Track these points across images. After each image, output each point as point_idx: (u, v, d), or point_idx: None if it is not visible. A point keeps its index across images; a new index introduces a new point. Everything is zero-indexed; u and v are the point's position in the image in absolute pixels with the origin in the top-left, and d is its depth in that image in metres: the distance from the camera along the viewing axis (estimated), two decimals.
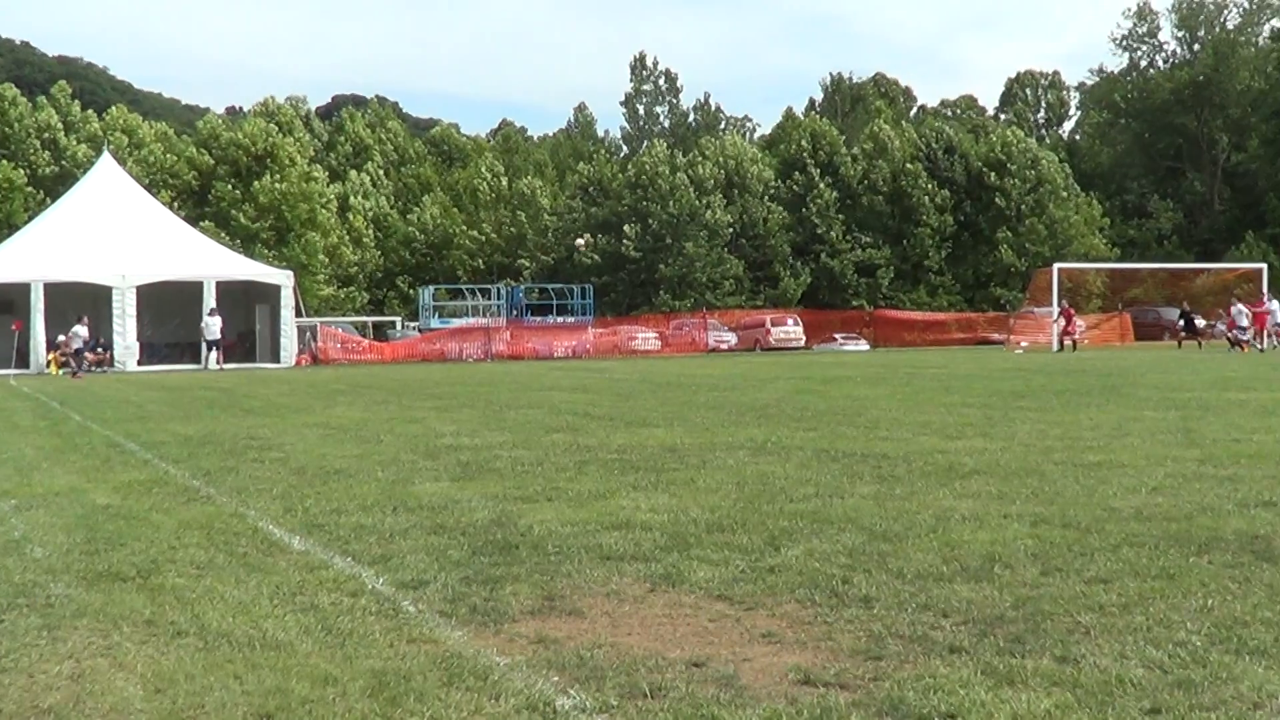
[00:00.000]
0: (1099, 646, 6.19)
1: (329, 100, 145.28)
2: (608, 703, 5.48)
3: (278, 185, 76.78)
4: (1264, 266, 65.60)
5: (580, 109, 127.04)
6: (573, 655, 6.22)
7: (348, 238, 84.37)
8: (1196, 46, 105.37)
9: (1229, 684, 5.56)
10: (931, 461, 13.52)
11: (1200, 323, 58.89)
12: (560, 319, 71.21)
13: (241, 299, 57.10)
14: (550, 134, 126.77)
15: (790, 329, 70.31)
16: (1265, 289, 60.01)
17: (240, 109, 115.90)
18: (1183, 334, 56.97)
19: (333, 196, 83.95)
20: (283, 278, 56.39)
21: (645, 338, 68.13)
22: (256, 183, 77.06)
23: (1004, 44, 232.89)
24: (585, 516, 10.24)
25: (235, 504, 11.47)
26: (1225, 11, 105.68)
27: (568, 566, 8.31)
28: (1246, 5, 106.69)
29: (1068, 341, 56.46)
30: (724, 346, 68.75)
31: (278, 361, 55.20)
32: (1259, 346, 52.88)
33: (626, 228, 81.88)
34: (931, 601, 7.17)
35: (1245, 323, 53.69)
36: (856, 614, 6.95)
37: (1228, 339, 53.34)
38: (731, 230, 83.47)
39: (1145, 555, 8.27)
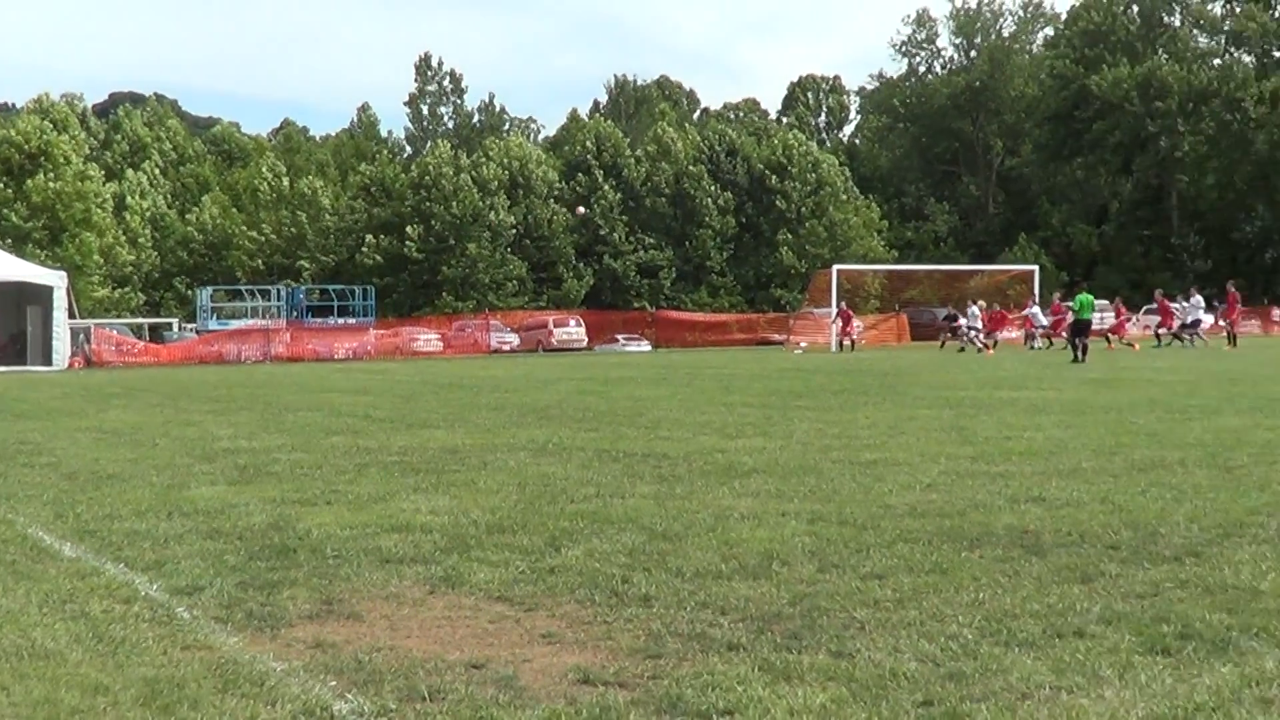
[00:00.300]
0: (874, 641, 6.28)
1: (106, 97, 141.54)
2: (386, 706, 5.43)
3: (52, 184, 74.75)
4: (1036, 268, 67.24)
5: (363, 109, 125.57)
6: (351, 659, 6.15)
7: (124, 238, 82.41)
8: (973, 53, 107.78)
9: (999, 675, 5.68)
10: (711, 461, 13.63)
11: (962, 323, 60.10)
12: (341, 320, 70.49)
13: (12, 300, 55.53)
14: (332, 134, 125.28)
15: (573, 330, 70.40)
16: (1036, 291, 61.44)
17: (13, 105, 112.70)
18: (947, 335, 58.13)
19: (109, 196, 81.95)
20: (55, 279, 54.89)
21: (427, 339, 67.68)
22: (29, 181, 74.92)
23: (786, 48, 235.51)
24: (364, 519, 10.14)
25: (3, 510, 11.16)
26: (1001, 20, 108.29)
27: (346, 570, 8.22)
28: (1021, 14, 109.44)
29: (846, 342, 57.26)
30: (506, 348, 68.57)
31: (50, 364, 53.71)
32: (987, 345, 54.41)
33: (409, 229, 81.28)
34: (710, 599, 7.23)
35: (1045, 321, 55.19)
36: (636, 613, 6.98)
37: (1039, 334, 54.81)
38: (515, 231, 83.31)
39: (919, 551, 8.42)
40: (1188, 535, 8.84)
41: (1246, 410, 19.06)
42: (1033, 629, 6.46)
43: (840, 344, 57.47)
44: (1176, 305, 55.55)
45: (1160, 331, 53.82)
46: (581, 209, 79.21)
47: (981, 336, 53.16)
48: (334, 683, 5.77)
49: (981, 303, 56.26)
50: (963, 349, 52.15)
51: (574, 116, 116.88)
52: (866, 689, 5.52)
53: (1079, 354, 37.88)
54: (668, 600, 7.23)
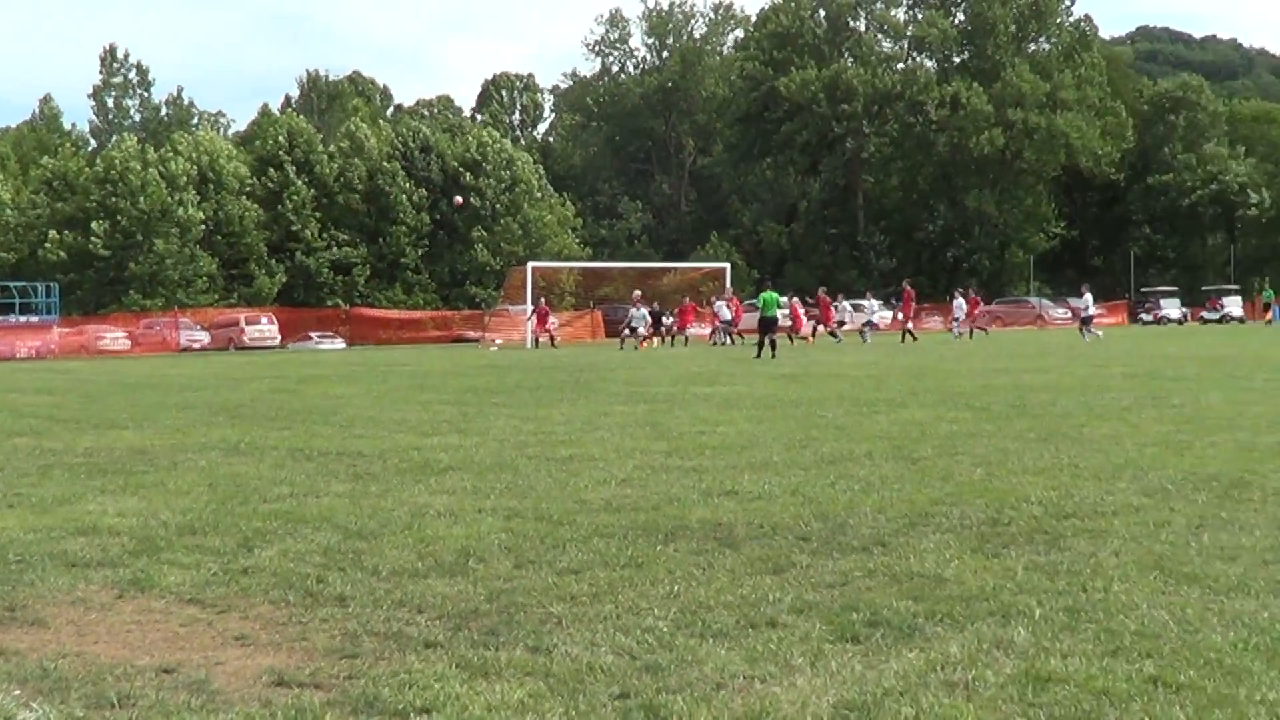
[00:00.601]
0: (570, 635, 6.30)
1: None
2: (73, 714, 5.26)
3: None
4: (728, 266, 68.40)
5: (45, 101, 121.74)
6: (35, 667, 5.94)
7: None
8: (665, 54, 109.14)
9: (694, 666, 5.74)
10: (407, 458, 13.53)
11: (667, 321, 60.83)
12: (23, 318, 68.10)
13: None
14: (12, 126, 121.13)
15: (265, 328, 69.42)
16: (728, 286, 62.47)
17: None
18: (651, 332, 58.79)
19: None
20: None
21: (114, 337, 66.04)
22: None
23: (480, 45, 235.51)
24: (49, 523, 9.81)
25: None
26: (692, 21, 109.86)
27: (30, 575, 7.93)
28: (712, 16, 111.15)
29: (543, 338, 57.49)
30: (197, 346, 67.26)
31: None
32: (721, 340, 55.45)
33: (94, 224, 78.97)
34: (407, 597, 7.16)
35: (728, 315, 56.27)
36: (331, 613, 6.88)
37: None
38: (205, 227, 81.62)
39: (615, 545, 8.47)
40: (875, 525, 9.06)
41: (930, 404, 19.63)
42: (727, 620, 6.54)
43: (537, 341, 57.65)
44: (866, 303, 57.15)
45: (819, 329, 55.36)
46: (459, 199, 78.05)
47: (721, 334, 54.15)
48: (17, 691, 5.56)
49: (723, 300, 57.23)
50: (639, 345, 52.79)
51: (265, 111, 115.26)
52: (564, 683, 5.53)
53: (761, 350, 38.58)
54: (363, 599, 7.15)
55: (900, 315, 57.56)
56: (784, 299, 54.90)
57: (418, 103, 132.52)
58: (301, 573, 7.82)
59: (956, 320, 58.19)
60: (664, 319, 60.21)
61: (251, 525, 9.51)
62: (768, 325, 39.85)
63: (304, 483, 11.79)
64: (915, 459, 12.70)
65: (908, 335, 54.27)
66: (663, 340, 58.66)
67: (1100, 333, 52.48)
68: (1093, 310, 55.17)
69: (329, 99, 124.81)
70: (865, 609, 6.69)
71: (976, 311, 60.11)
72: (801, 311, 56.41)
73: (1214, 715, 4.96)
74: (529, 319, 59.28)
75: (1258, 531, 8.55)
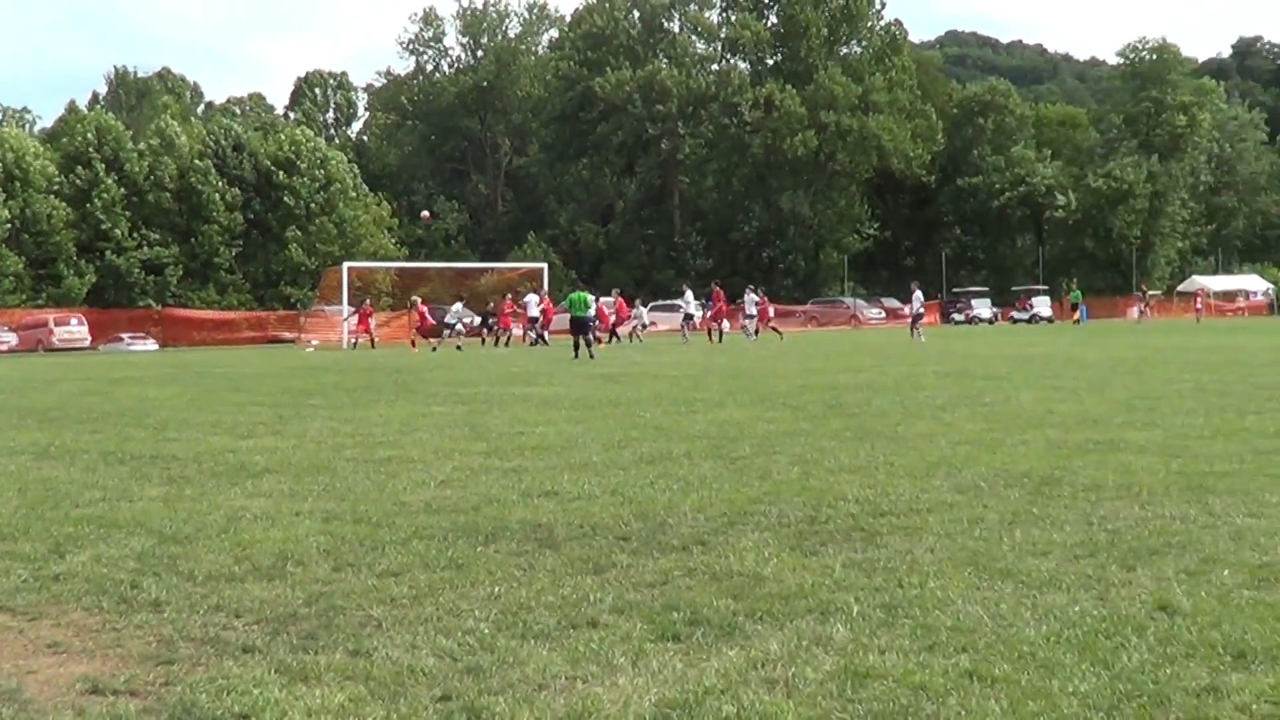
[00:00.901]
0: (391, 638, 6.26)
1: None
2: None
3: None
4: (545, 266, 68.42)
5: None
6: None
7: None
8: (480, 53, 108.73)
9: (515, 667, 5.74)
10: (222, 461, 13.36)
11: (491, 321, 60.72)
12: None
13: None
14: None
15: (75, 329, 68.16)
16: (545, 286, 62.53)
17: None
18: (483, 330, 58.65)
19: None
20: None
21: None
22: None
23: (293, 43, 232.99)
24: None
25: None
26: (507, 20, 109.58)
27: None
28: (527, 15, 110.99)
29: (362, 339, 57.03)
30: (4, 348, 65.81)
31: None
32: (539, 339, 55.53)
33: None
34: (224, 602, 7.07)
35: (535, 313, 56.32)
36: (146, 619, 6.77)
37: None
38: (10, 226, 79.71)
39: (435, 547, 8.43)
40: (695, 525, 9.11)
41: (747, 404, 19.79)
42: (548, 621, 6.55)
43: (355, 342, 57.22)
44: (681, 301, 57.45)
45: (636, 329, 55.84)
46: (426, 213, 76.88)
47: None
48: None
49: (610, 297, 57.35)
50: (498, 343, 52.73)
51: (73, 108, 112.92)
52: (385, 686, 5.50)
53: (578, 350, 38.67)
54: (179, 604, 7.04)
55: (709, 315, 57.85)
56: (609, 298, 55.24)
57: (229, 100, 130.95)
58: (115, 578, 7.68)
59: (750, 318, 57.77)
60: (490, 319, 60.01)
61: (63, 530, 9.33)
62: (579, 326, 39.93)
63: (116, 487, 11.58)
64: (734, 458, 12.80)
65: (715, 335, 54.70)
66: (496, 341, 58.42)
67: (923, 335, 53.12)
68: (922, 310, 55.60)
69: (138, 96, 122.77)
70: (686, 608, 6.73)
71: (767, 312, 60.30)
72: (610, 312, 56.73)
73: (1028, 707, 5.06)
74: (346, 319, 58.79)
75: (1068, 527, 8.74)
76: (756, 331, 56.42)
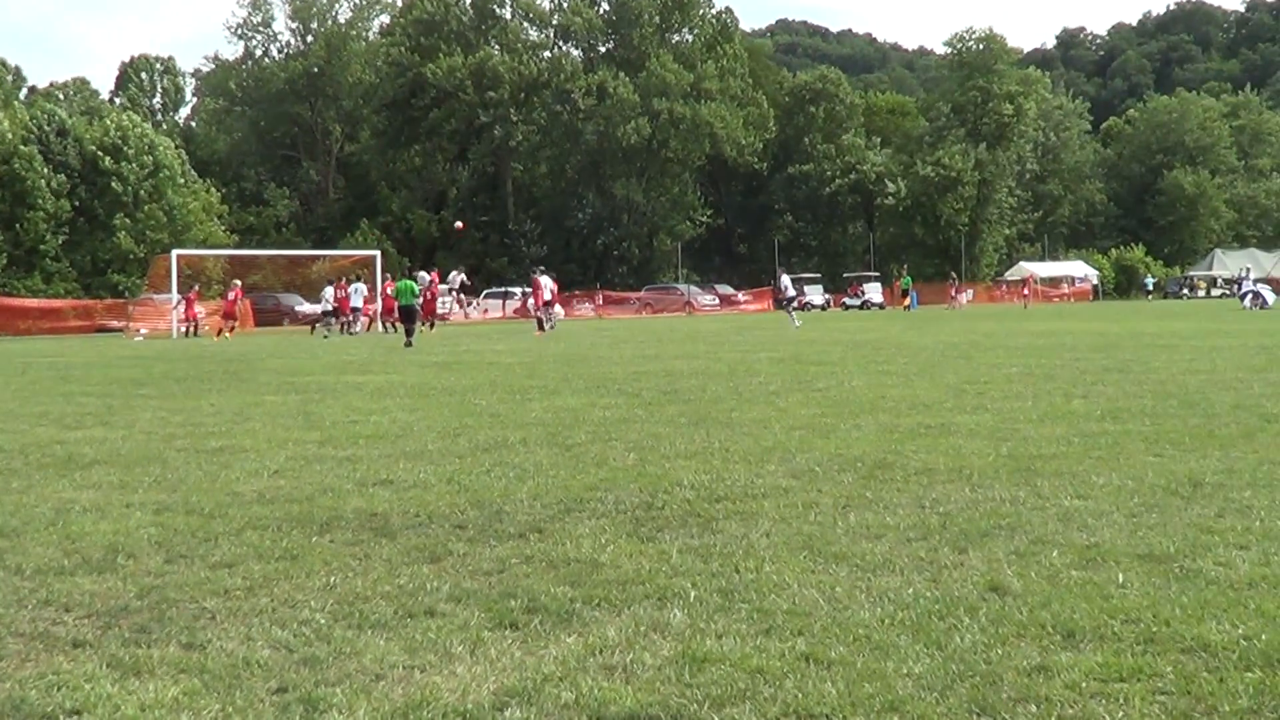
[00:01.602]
0: (225, 630, 6.20)
1: None
2: None
3: None
4: (378, 253, 67.83)
5: None
6: None
7: None
8: (310, 38, 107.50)
9: (352, 658, 5.71)
10: (50, 453, 13.11)
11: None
12: None
13: None
14: None
15: None
16: (379, 274, 62.06)
17: None
18: (332, 321, 58.06)
19: None
20: None
21: None
22: None
23: (118, 26, 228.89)
24: None
25: None
26: (337, 5, 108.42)
27: None
28: (358, 1, 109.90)
29: (205, 328, 56.26)
30: None
31: None
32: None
33: None
34: (53, 596, 6.95)
35: (358, 303, 55.86)
36: None
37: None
38: None
39: (269, 537, 8.36)
40: (531, 512, 9.12)
41: (583, 390, 19.83)
42: (385, 610, 6.52)
43: (186, 330, 56.40)
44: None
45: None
46: (459, 224, 75.45)
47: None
48: None
49: (347, 285, 56.73)
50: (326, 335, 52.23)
51: None
52: (219, 679, 5.44)
53: (411, 338, 38.72)
54: (7, 599, 6.91)
55: (532, 304, 57.62)
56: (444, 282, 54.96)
57: (52, 85, 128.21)
58: None
59: (547, 304, 57.24)
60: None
61: None
62: (407, 314, 40.06)
63: None
64: (569, 445, 12.82)
65: (540, 324, 54.61)
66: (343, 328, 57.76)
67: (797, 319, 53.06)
68: (793, 293, 55.23)
69: None
70: (523, 595, 6.74)
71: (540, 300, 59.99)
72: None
73: (864, 689, 5.13)
74: (175, 307, 57.90)
75: (901, 510, 8.87)
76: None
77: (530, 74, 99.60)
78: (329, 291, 56.44)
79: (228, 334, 52.36)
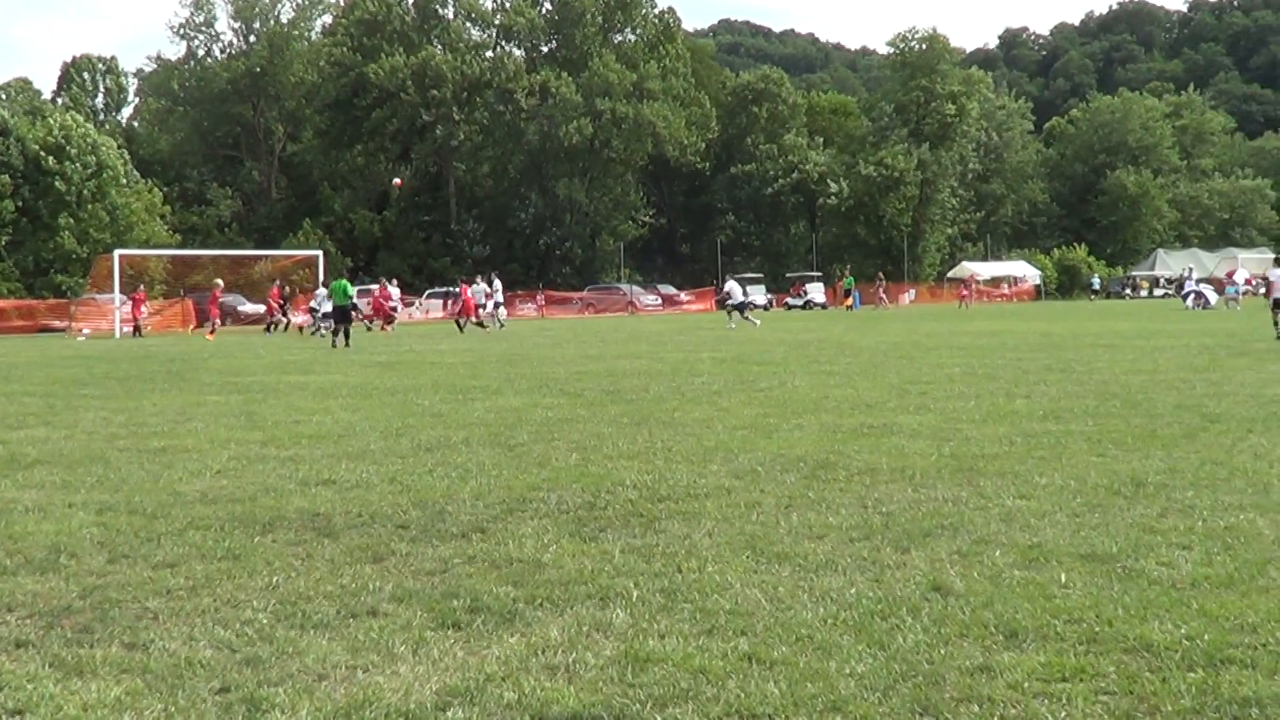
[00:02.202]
0: (168, 630, 6.19)
1: None
2: None
3: None
4: (320, 253, 67.58)
5: None
6: None
7: None
8: (253, 38, 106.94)
9: (295, 658, 5.72)
10: None
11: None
12: None
13: None
14: None
15: None
16: (320, 276, 61.84)
17: None
18: (279, 319, 57.74)
19: None
20: None
21: None
22: None
23: (59, 26, 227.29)
24: None
25: None
26: (280, 5, 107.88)
27: None
28: (300, 0, 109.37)
29: (146, 327, 55.95)
30: None
31: None
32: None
33: None
34: None
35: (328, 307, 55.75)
36: None
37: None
38: None
39: (212, 537, 8.35)
40: (474, 512, 9.14)
41: (525, 390, 19.85)
42: (327, 610, 6.53)
43: (138, 330, 56.06)
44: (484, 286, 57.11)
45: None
46: (397, 180, 74.75)
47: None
48: None
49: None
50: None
51: None
52: (162, 679, 5.44)
53: (349, 339, 38.63)
54: None
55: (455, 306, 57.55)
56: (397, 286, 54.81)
57: None
58: None
59: (488, 306, 56.89)
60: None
61: None
62: (342, 314, 39.86)
63: None
64: (512, 445, 12.84)
65: (459, 325, 54.47)
66: (285, 328, 57.41)
67: (758, 319, 52.93)
68: (739, 298, 54.64)
69: None
70: (466, 595, 6.76)
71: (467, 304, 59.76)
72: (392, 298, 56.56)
73: (806, 689, 5.17)
74: (119, 307, 57.55)
75: (843, 510, 8.93)
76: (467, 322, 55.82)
77: (473, 74, 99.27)
78: (323, 292, 55.67)
79: (207, 336, 52.02)
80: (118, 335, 55.79)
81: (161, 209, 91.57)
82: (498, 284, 57.95)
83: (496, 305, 56.91)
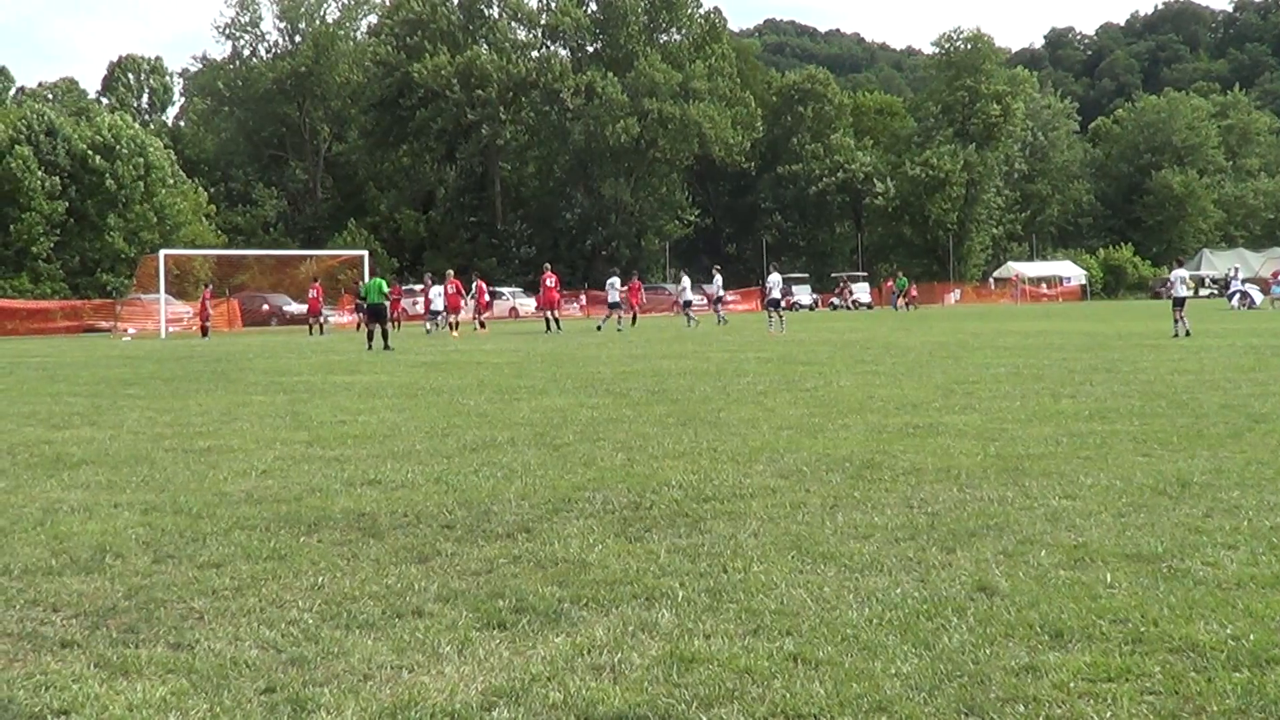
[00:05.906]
0: (213, 631, 6.19)
1: None
2: None
3: None
4: (366, 254, 67.82)
5: None
6: None
7: None
8: (298, 38, 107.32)
9: (340, 658, 5.70)
10: (38, 453, 13.09)
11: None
12: None
13: None
14: None
15: None
16: (366, 275, 61.99)
17: None
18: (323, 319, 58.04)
19: None
20: None
21: None
22: None
23: (104, 27, 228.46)
24: None
25: None
26: (325, 5, 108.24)
27: None
28: (345, 0, 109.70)
29: (203, 328, 56.29)
30: None
31: None
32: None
33: None
34: (41, 596, 6.94)
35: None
36: None
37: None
38: None
39: (257, 537, 8.35)
40: (519, 512, 9.12)
41: (571, 390, 19.83)
42: (373, 610, 6.52)
43: (204, 330, 56.33)
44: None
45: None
46: None
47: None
48: None
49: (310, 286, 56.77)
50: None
51: None
52: (208, 679, 5.43)
53: (372, 339, 38.23)
54: None
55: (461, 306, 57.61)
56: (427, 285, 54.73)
57: (40, 85, 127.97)
58: None
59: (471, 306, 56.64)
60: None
61: None
62: (375, 313, 39.21)
63: None
64: (557, 445, 12.82)
65: (468, 324, 54.38)
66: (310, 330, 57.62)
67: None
68: (777, 295, 54.52)
69: None
70: (511, 595, 6.73)
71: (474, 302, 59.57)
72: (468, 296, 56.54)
73: (852, 689, 5.13)
74: (166, 307, 57.89)
75: (889, 510, 8.88)
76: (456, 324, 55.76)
77: (518, 73, 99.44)
78: (437, 290, 55.39)
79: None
80: (163, 335, 56.04)
81: (207, 209, 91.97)
82: (478, 285, 57.66)
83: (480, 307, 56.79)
